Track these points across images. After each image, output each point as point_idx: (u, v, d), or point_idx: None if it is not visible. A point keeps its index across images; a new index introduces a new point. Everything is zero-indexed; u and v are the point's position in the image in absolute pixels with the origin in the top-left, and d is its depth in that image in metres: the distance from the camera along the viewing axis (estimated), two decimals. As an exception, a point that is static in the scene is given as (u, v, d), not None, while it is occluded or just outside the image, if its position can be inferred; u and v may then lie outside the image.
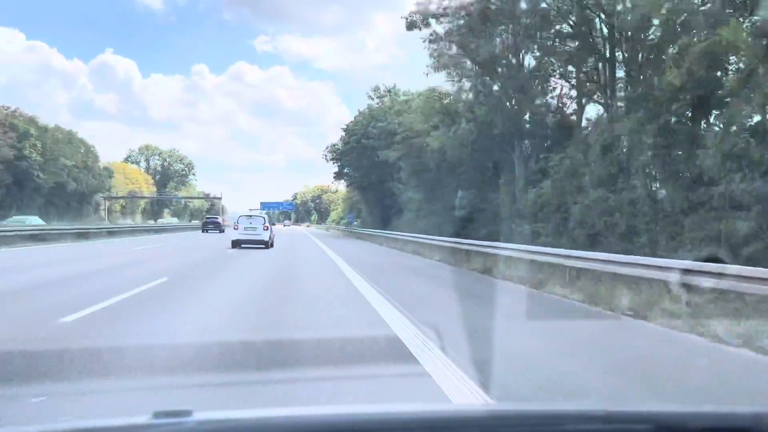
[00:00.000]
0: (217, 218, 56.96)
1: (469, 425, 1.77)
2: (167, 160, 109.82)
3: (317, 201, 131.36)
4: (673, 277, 8.94)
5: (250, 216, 27.10)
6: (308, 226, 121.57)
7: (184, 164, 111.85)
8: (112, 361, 5.53)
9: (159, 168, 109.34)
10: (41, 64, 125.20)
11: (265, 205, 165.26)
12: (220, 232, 48.46)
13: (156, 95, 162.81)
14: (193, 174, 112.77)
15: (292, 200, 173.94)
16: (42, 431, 1.94)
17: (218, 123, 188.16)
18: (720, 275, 8.26)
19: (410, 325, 7.37)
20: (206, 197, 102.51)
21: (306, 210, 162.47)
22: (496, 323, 7.82)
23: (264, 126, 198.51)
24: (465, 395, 4.55)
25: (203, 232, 50.74)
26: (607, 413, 1.83)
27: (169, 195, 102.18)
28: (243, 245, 24.39)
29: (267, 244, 25.11)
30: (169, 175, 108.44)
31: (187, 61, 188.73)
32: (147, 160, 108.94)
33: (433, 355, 5.82)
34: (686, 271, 8.77)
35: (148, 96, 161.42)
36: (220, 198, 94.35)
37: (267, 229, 25.48)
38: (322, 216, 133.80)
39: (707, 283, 8.37)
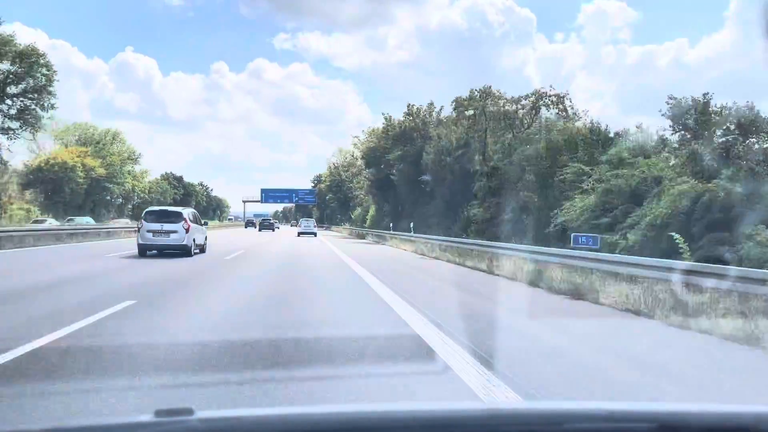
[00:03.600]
0: (253, 219, 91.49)
1: (469, 424, 1.68)
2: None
3: (372, 170, 58.58)
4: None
5: (308, 219, 53.50)
6: (347, 235, 53.83)
7: (17, 59, 39.09)
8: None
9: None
10: (63, 63, 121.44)
11: (267, 194, 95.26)
12: (254, 227, 78.89)
13: (176, 94, 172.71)
14: (50, 94, 40.61)
15: (314, 186, 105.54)
16: (42, 431, 1.72)
17: (239, 122, 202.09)
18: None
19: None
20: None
21: (341, 200, 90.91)
22: None
23: (284, 125, 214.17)
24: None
25: (246, 228, 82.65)
26: (609, 412, 1.77)
27: None
28: (302, 234, 47.09)
29: (315, 235, 48.03)
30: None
31: (207, 59, 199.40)
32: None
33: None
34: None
35: (168, 94, 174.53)
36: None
37: (316, 226, 52.87)
38: (380, 206, 60.82)
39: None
